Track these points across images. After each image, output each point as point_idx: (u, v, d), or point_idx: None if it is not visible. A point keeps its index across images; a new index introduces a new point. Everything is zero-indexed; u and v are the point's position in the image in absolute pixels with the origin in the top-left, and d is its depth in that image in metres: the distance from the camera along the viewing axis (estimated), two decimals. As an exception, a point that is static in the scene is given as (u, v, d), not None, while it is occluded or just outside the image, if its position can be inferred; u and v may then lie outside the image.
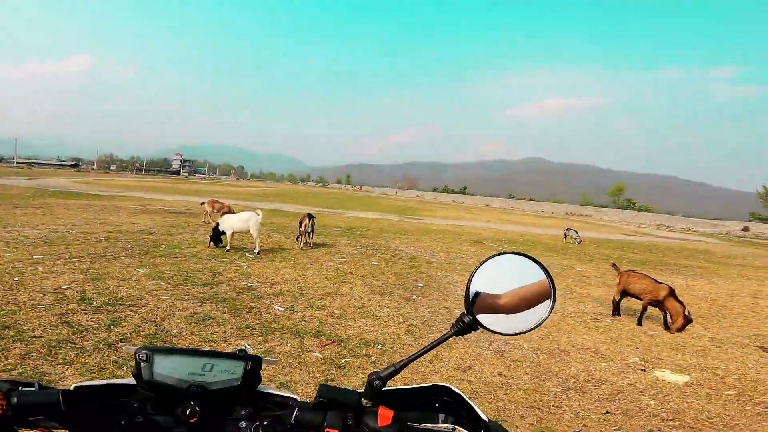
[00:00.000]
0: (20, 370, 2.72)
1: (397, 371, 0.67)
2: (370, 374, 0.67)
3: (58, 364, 2.87)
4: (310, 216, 8.71)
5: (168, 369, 0.65)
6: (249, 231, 7.62)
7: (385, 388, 0.68)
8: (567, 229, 16.08)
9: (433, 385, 0.74)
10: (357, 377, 3.21)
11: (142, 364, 0.65)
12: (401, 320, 4.68)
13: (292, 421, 0.65)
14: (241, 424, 0.67)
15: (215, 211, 11.07)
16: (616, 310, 5.73)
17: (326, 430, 0.63)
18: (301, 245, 8.68)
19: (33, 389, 0.60)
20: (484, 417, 0.67)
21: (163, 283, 5.04)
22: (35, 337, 3.20)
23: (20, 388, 0.59)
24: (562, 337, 4.66)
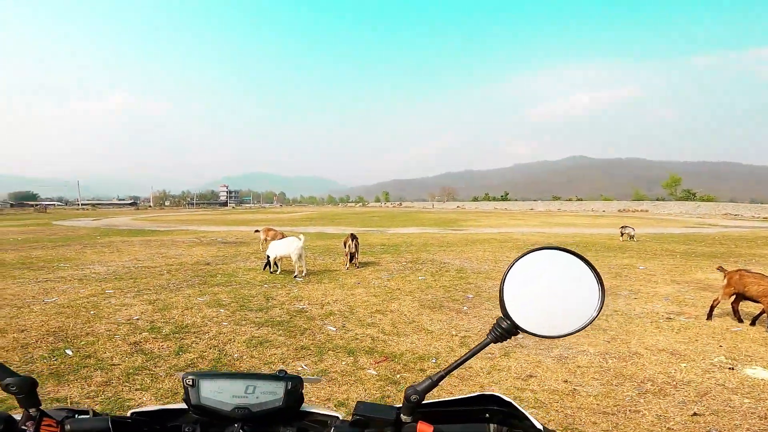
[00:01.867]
0: (103, 397, 2.92)
1: (434, 384, 0.65)
2: (406, 389, 0.65)
3: (136, 390, 3.05)
4: (353, 236, 8.81)
5: (213, 392, 0.67)
6: (290, 255, 7.79)
7: (426, 401, 0.66)
8: (623, 227, 15.27)
9: (479, 394, 0.72)
10: None
11: (189, 389, 0.67)
12: (454, 333, 4.60)
13: None
14: None
15: (269, 238, 11.46)
16: (737, 315, 5.11)
17: None
18: (347, 266, 8.78)
19: (86, 416, 0.62)
20: (539, 426, 0.64)
21: (222, 310, 5.28)
22: (114, 365, 3.44)
23: (76, 416, 0.61)
24: (631, 339, 4.40)
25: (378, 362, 3.72)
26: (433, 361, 3.77)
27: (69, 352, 3.65)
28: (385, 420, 0.65)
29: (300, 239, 7.86)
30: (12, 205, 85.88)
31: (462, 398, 0.71)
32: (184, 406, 0.70)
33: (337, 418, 0.72)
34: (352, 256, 8.80)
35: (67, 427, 0.57)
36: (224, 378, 0.68)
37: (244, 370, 3.46)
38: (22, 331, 4.17)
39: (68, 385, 3.05)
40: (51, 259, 9.66)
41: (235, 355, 3.81)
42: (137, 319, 4.69)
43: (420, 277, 7.75)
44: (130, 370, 3.34)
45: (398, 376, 3.44)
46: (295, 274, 7.76)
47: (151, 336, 4.17)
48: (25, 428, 0.57)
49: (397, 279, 7.63)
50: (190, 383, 0.67)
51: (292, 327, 4.70)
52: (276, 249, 7.94)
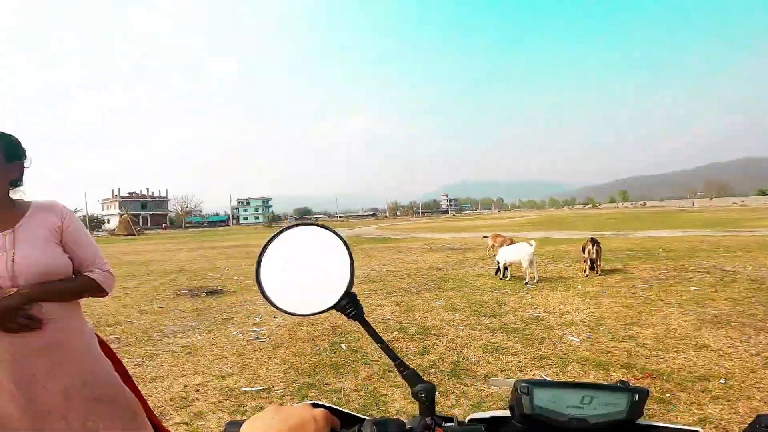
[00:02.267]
0: (365, 391, 3.25)
1: None
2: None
3: (389, 387, 3.33)
4: (593, 241, 7.91)
5: (546, 402, 0.64)
6: (521, 261, 7.52)
7: None
8: None
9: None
10: (690, 413, 2.71)
11: (523, 397, 0.64)
12: (753, 352, 3.60)
13: None
14: None
15: (497, 244, 11.49)
16: None
17: None
18: (587, 273, 7.88)
19: (451, 424, 0.63)
20: None
21: (457, 314, 5.47)
22: (374, 361, 3.88)
23: (454, 423, 0.62)
24: None
25: (638, 378, 3.25)
26: (722, 381, 3.07)
27: (343, 346, 4.30)
28: None
29: (531, 245, 7.52)
30: (296, 219, 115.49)
31: None
32: (505, 413, 0.68)
33: None
34: (592, 263, 7.86)
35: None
36: (559, 387, 0.65)
37: (489, 376, 3.45)
38: (312, 324, 5.18)
39: (342, 377, 3.54)
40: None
41: (473, 359, 3.86)
42: (388, 319, 5.33)
43: (692, 288, 6.25)
44: (386, 368, 3.70)
45: (668, 395, 2.93)
46: (526, 280, 7.44)
47: (400, 335, 4.64)
48: None
49: (657, 289, 6.34)
50: (525, 391, 0.65)
51: (528, 335, 4.50)
52: (506, 255, 7.85)
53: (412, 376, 0.64)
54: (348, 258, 0.66)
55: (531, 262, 7.39)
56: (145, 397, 1.66)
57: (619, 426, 0.63)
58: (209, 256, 15.47)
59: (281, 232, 0.68)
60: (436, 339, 4.46)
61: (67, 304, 1.46)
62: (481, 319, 5.23)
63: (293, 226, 0.69)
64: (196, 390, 3.26)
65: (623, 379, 0.70)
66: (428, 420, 0.61)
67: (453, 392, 3.22)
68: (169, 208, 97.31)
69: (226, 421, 0.58)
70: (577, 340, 4.28)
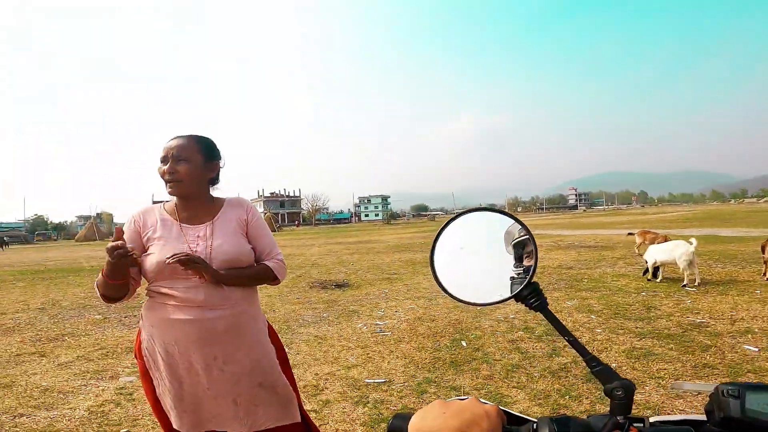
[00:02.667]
0: (485, 390, 3.10)
1: None
2: None
3: (512, 387, 3.14)
4: None
5: (760, 406, 0.58)
6: (675, 262, 6.40)
7: None
8: None
9: None
10: None
11: (731, 401, 0.59)
12: None
13: None
14: None
15: (647, 241, 10.07)
16: None
17: None
18: (767, 276, 6.37)
19: (641, 425, 0.57)
20: None
21: (593, 317, 4.91)
22: (496, 360, 3.71)
23: (645, 424, 0.56)
24: None
25: None
26: None
27: (464, 343, 4.20)
28: None
29: (691, 243, 6.37)
30: (414, 216, 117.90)
31: None
32: (698, 417, 0.63)
33: None
34: None
35: None
36: None
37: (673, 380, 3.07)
38: (433, 320, 5.18)
39: (462, 374, 3.44)
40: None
41: (613, 364, 3.43)
42: (513, 318, 5.02)
43: None
44: (509, 367, 3.51)
45: None
46: (684, 282, 6.31)
47: (526, 335, 4.33)
48: None
49: None
50: (734, 394, 0.59)
51: (687, 341, 3.88)
52: (656, 254, 6.78)
53: (606, 373, 0.61)
54: (533, 247, 0.62)
55: (690, 263, 6.26)
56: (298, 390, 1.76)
57: None
58: (336, 251, 16.67)
59: (456, 217, 0.66)
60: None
61: (246, 291, 1.59)
62: (624, 322, 4.61)
63: (469, 211, 0.67)
64: (325, 379, 3.46)
65: None
66: (620, 418, 0.56)
67: (587, 397, 2.89)
68: (301, 206, 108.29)
69: (393, 414, 0.58)
70: (755, 349, 3.59)
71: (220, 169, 1.65)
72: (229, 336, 1.52)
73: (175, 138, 1.52)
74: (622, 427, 0.56)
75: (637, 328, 4.38)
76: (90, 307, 6.92)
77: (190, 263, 1.41)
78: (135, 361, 1.61)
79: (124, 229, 1.54)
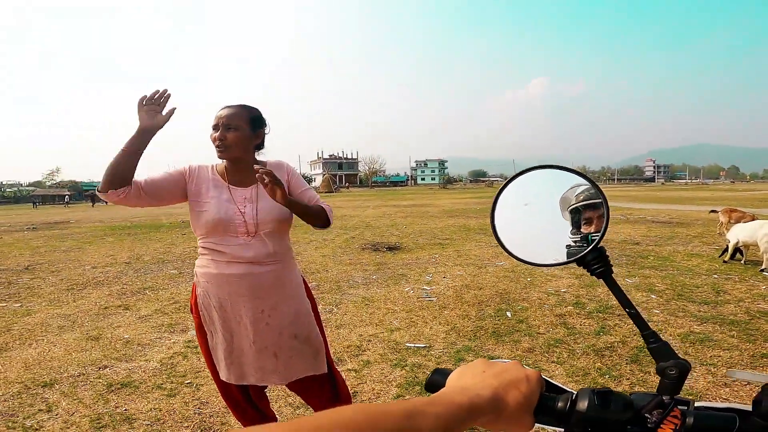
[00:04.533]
0: (525, 362, 3.06)
1: None
2: None
3: (551, 362, 3.11)
4: None
5: None
6: (758, 243, 5.80)
7: None
8: None
9: None
10: None
11: None
12: None
13: None
14: None
15: (733, 220, 9.17)
16: None
17: None
18: None
19: (690, 408, 0.55)
20: None
21: (653, 296, 4.66)
22: (539, 333, 3.67)
23: (691, 406, 0.54)
24: None
25: None
26: None
27: (509, 314, 4.18)
28: None
29: None
30: (471, 181, 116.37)
31: None
32: (744, 407, 0.59)
33: None
34: None
35: (689, 419, 0.52)
36: None
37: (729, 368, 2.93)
38: (480, 288, 5.17)
39: (503, 345, 3.45)
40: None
41: None
42: (564, 292, 4.89)
43: None
44: (551, 342, 3.46)
45: None
46: (763, 267, 5.73)
47: (575, 311, 4.22)
48: (648, 416, 0.52)
49: None
50: None
51: (751, 329, 3.60)
52: (739, 233, 6.18)
53: (663, 350, 0.57)
54: (603, 207, 0.59)
55: (773, 245, 5.65)
56: (328, 342, 1.92)
57: None
58: (390, 213, 16.87)
59: (522, 173, 0.63)
60: (620, 320, 3.89)
61: (286, 248, 1.75)
62: (687, 305, 4.33)
63: (537, 167, 0.63)
64: (369, 341, 3.63)
65: None
66: (666, 398, 0.54)
67: (628, 379, 2.83)
68: (359, 168, 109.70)
69: (433, 368, 0.59)
70: None
71: (265, 136, 1.78)
72: (275, 289, 1.68)
73: (225, 107, 1.64)
74: (665, 407, 0.53)
75: (700, 311, 4.11)
76: (167, 262, 7.62)
77: (273, 180, 1.50)
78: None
79: (173, 171, 1.70)
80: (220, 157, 1.66)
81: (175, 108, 1.58)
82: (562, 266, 0.54)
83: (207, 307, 1.70)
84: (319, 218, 1.71)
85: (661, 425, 0.51)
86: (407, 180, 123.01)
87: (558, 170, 0.61)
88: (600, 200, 0.58)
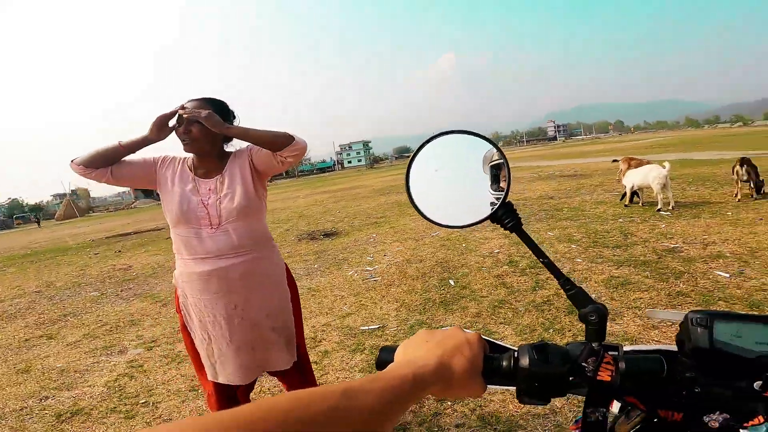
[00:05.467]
0: (475, 328, 3.20)
1: None
2: None
3: (499, 324, 3.26)
4: (744, 161, 6.65)
5: (729, 336, 0.57)
6: (651, 185, 6.61)
7: None
8: None
9: None
10: None
11: (699, 330, 0.58)
12: None
13: None
14: None
15: (631, 167, 10.30)
16: None
17: None
18: (738, 197, 6.65)
19: (639, 357, 0.57)
20: None
21: (573, 246, 5.11)
22: (483, 297, 3.84)
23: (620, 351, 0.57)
24: None
25: None
26: None
27: (451, 282, 4.34)
28: None
29: (664, 167, 6.55)
30: (396, 158, 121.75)
31: None
32: (669, 347, 0.63)
33: None
34: (758, 188, 6.67)
35: (622, 364, 0.54)
36: (747, 321, 0.58)
37: (647, 308, 3.21)
38: (421, 261, 5.32)
39: (452, 313, 3.57)
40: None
41: (593, 295, 3.51)
42: (497, 252, 5.19)
43: None
44: (495, 303, 3.63)
45: None
46: (659, 207, 6.56)
47: (510, 269, 4.50)
48: (585, 365, 0.54)
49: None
50: (703, 323, 0.58)
51: (662, 268, 4.03)
52: (633, 178, 7.00)
53: (580, 296, 0.59)
54: (505, 167, 0.61)
55: (664, 186, 6.47)
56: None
57: None
58: (321, 200, 16.64)
59: (429, 140, 0.64)
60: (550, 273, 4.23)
61: (259, 237, 1.71)
62: (603, 250, 4.81)
63: (442, 134, 0.64)
64: (323, 330, 3.59)
65: None
66: (596, 345, 0.56)
67: (570, 330, 3.06)
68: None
69: (380, 347, 0.59)
70: (726, 275, 3.70)
71: None
72: (246, 282, 1.65)
73: (190, 101, 1.62)
74: (596, 354, 0.56)
75: (614, 256, 4.57)
76: (85, 285, 6.87)
77: (199, 112, 1.53)
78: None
79: (149, 157, 1.72)
80: (186, 151, 1.65)
81: (176, 126, 1.60)
82: (479, 225, 0.57)
83: (186, 307, 1.70)
84: (280, 138, 1.63)
85: (599, 372, 0.54)
86: (334, 165, 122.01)
87: (460, 134, 0.63)
88: (502, 160, 0.61)
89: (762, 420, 0.56)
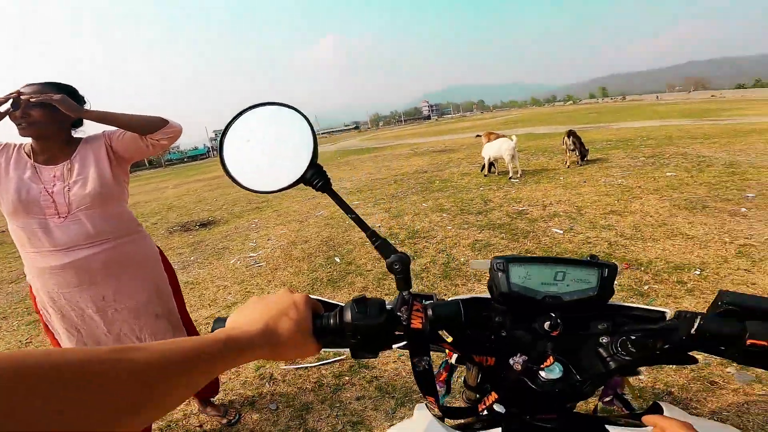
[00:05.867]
0: None
1: None
2: None
3: (385, 295, 3.43)
4: (570, 133, 8.00)
5: (521, 278, 0.62)
6: (503, 157, 7.59)
7: None
8: None
9: None
10: (666, 307, 2.76)
11: (499, 274, 0.63)
12: (727, 239, 3.66)
13: (693, 332, 0.52)
14: (603, 339, 0.60)
15: (492, 141, 11.50)
16: None
17: (749, 342, 0.50)
18: (567, 164, 8.03)
19: (442, 302, 0.60)
20: None
21: (445, 215, 5.62)
22: (368, 271, 4.00)
23: (423, 301, 0.59)
24: None
25: (619, 270, 3.33)
26: (697, 272, 3.12)
27: (337, 259, 4.44)
28: None
29: (512, 139, 7.53)
30: None
31: None
32: (486, 295, 0.67)
33: (664, 313, 0.62)
34: (582, 155, 8.03)
35: (429, 311, 0.57)
36: (533, 263, 0.63)
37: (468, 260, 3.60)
38: (306, 241, 5.31)
39: (340, 290, 3.67)
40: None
41: (462, 259, 3.99)
42: (379, 227, 5.46)
43: (668, 174, 6.40)
44: (380, 276, 3.82)
45: (646, 287, 2.99)
46: (510, 175, 7.58)
47: (391, 242, 4.78)
48: (400, 314, 0.56)
49: (635, 176, 6.52)
50: (501, 267, 0.63)
51: (513, 229, 4.66)
52: (488, 150, 7.94)
53: (384, 247, 0.61)
54: (310, 132, 0.64)
55: (513, 157, 7.46)
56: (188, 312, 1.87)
57: (591, 303, 0.62)
58: (195, 189, 15.25)
59: (240, 114, 0.66)
60: (426, 242, 4.60)
61: (121, 222, 1.60)
62: (468, 217, 5.37)
63: (252, 107, 0.66)
64: (207, 324, 3.39)
65: (593, 254, 0.69)
66: (405, 294, 0.58)
67: (446, 294, 3.32)
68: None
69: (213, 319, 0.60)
70: (561, 231, 4.41)
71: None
72: (111, 272, 1.55)
73: (27, 86, 1.50)
74: (407, 302, 0.57)
75: (477, 221, 5.17)
76: None
77: (50, 97, 1.42)
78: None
79: None
80: (23, 135, 1.51)
81: (9, 110, 1.46)
82: (290, 188, 0.61)
83: (43, 306, 1.56)
84: (148, 119, 1.57)
85: (412, 320, 0.56)
86: (208, 152, 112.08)
87: (268, 106, 0.66)
88: (309, 128, 0.65)
89: (552, 360, 0.60)
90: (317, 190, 0.63)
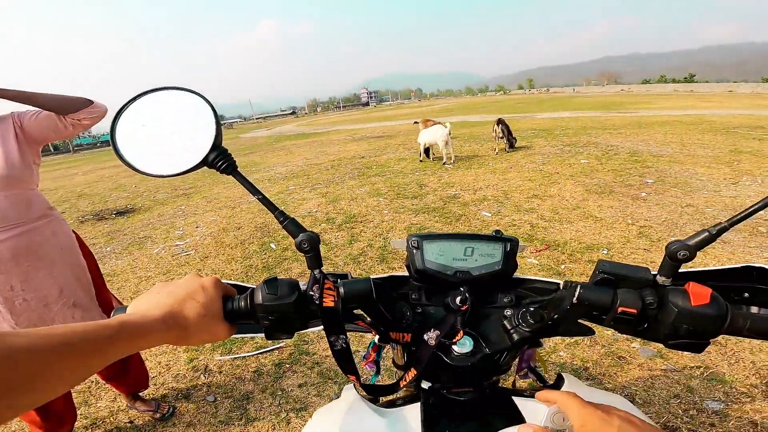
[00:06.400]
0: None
1: (712, 238, 0.49)
2: (670, 243, 0.51)
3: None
4: (499, 121, 8.44)
5: (435, 255, 0.64)
6: (437, 143, 7.82)
7: (681, 270, 0.53)
8: None
9: (745, 266, 0.59)
10: None
11: (414, 251, 0.64)
12: (629, 221, 4.08)
13: (575, 301, 0.52)
14: (507, 312, 0.63)
15: (428, 128, 11.68)
16: None
17: (620, 309, 0.51)
18: (496, 151, 8.47)
19: (353, 279, 0.61)
20: None
21: (381, 199, 5.68)
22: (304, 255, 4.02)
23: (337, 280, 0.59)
24: None
25: (539, 250, 3.58)
26: (605, 251, 3.45)
27: (273, 246, 4.34)
28: (640, 280, 0.53)
29: (446, 127, 7.75)
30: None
31: (723, 269, 0.59)
32: (404, 273, 0.68)
33: (558, 284, 0.65)
34: (510, 142, 8.50)
35: (341, 289, 0.57)
36: (444, 239, 0.64)
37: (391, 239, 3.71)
38: (238, 228, 5.12)
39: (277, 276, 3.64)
40: (245, 164, 11.40)
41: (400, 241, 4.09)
42: (316, 212, 5.39)
43: (582, 161, 6.98)
44: None
45: (563, 266, 3.25)
46: (444, 161, 7.82)
47: (328, 227, 4.76)
48: (312, 293, 0.56)
49: (555, 163, 7.02)
50: (415, 245, 0.64)
51: (446, 213, 4.81)
52: (424, 137, 8.14)
53: (292, 226, 0.61)
54: (212, 115, 0.63)
55: (446, 143, 7.69)
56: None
57: (498, 277, 0.64)
58: (110, 175, 13.93)
59: (135, 99, 0.63)
60: (363, 226, 4.63)
61: (30, 207, 1.49)
62: (404, 201, 5.47)
63: (147, 92, 0.64)
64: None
65: (498, 229, 0.70)
66: (317, 273, 0.59)
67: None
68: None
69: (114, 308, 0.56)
70: (489, 214, 4.64)
71: None
72: (20, 259, 1.43)
73: None
74: (318, 281, 0.57)
75: (413, 205, 5.29)
76: None
77: None
78: None
79: None
80: None
81: None
82: (192, 171, 0.59)
83: None
84: (71, 99, 1.48)
85: (324, 298, 0.55)
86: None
87: (166, 90, 0.64)
88: (211, 111, 0.63)
89: (462, 335, 0.61)
90: (221, 172, 0.62)
